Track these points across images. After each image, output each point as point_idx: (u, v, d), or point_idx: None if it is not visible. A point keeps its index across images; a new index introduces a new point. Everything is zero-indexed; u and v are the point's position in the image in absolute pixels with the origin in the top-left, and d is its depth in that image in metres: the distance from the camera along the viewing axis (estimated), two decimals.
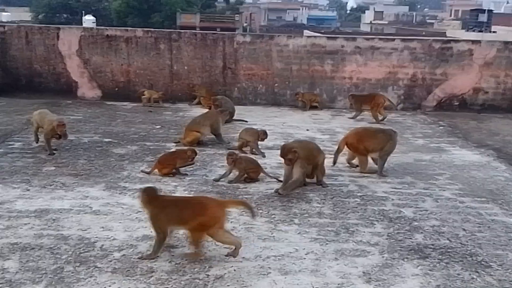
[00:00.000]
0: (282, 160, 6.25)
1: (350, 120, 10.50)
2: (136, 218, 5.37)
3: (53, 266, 4.38)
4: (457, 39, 14.82)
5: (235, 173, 6.58)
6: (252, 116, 10.29)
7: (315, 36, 13.25)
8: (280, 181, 6.40)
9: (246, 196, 6.08)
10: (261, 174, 6.67)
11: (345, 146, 7.11)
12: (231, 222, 5.33)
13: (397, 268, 4.55)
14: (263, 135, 7.83)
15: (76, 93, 11.67)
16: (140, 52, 11.56)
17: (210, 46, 11.60)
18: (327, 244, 4.96)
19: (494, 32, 42.02)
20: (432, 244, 5.04)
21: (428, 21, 79.72)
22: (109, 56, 11.57)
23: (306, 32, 33.11)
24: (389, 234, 5.22)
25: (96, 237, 4.93)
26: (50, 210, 5.49)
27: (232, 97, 11.30)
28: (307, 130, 9.49)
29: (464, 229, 5.41)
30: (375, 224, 5.45)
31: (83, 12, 52.76)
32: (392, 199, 6.17)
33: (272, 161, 7.30)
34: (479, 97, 11.79)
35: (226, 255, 4.61)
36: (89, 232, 5.01)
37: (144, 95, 11.10)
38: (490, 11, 48.23)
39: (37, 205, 5.61)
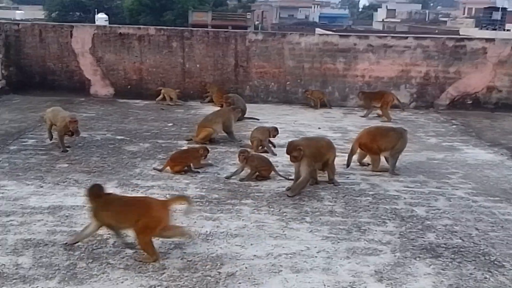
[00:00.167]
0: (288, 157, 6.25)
1: (362, 118, 10.47)
2: None
3: (66, 262, 4.41)
4: (470, 37, 14.72)
5: (246, 171, 6.59)
6: (264, 114, 10.29)
7: (327, 34, 13.21)
8: (291, 179, 6.39)
9: (257, 194, 6.09)
10: (273, 172, 6.67)
11: (358, 147, 7.06)
12: (242, 220, 5.35)
13: (409, 267, 4.53)
14: (274, 131, 7.85)
15: (89, 91, 11.74)
16: (153, 50, 11.60)
17: (222, 44, 11.62)
18: (338, 242, 4.95)
19: (508, 30, 41.70)
20: (445, 243, 5.01)
21: (441, 19, 79.26)
22: (121, 54, 11.62)
23: (318, 30, 33.03)
24: (401, 233, 5.20)
25: (109, 233, 4.94)
26: (63, 207, 5.53)
27: (244, 95, 11.30)
28: (319, 128, 9.47)
29: (477, 229, 5.38)
30: (387, 223, 5.43)
31: (96, 10, 53.07)
32: (404, 198, 6.15)
33: (283, 159, 7.27)
34: (493, 96, 11.69)
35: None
36: (102, 229, 5.03)
37: (160, 93, 11.12)
38: (504, 9, 47.83)
39: (51, 202, 5.66)
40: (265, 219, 5.39)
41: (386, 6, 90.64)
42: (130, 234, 4.62)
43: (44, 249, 4.61)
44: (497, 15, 46.14)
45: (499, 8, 48.67)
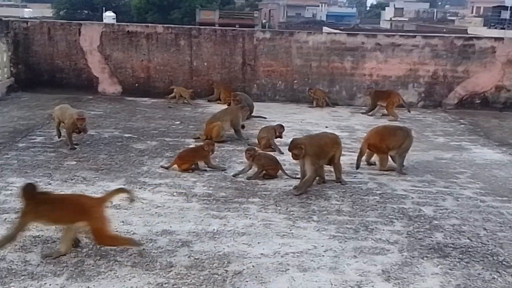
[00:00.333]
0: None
1: (370, 117, 10.45)
2: (156, 213, 5.42)
3: (74, 259, 4.43)
4: (479, 36, 14.64)
5: (254, 169, 6.59)
6: (271, 113, 10.29)
7: (335, 33, 13.18)
8: (298, 178, 6.38)
9: (264, 193, 6.09)
10: (280, 171, 6.67)
11: (368, 148, 7.04)
12: (249, 218, 5.35)
13: (417, 267, 4.52)
14: (280, 129, 7.84)
15: (97, 89, 11.78)
16: (160, 48, 11.63)
17: (230, 43, 11.62)
18: (346, 241, 4.94)
19: None
20: (453, 243, 4.99)
21: (449, 18, 78.90)
22: (129, 52, 11.65)
23: (325, 29, 32.99)
24: (409, 233, 5.18)
25: (116, 231, 4.95)
26: None
27: (251, 93, 11.31)
28: (326, 127, 9.45)
29: (485, 229, 5.36)
30: (394, 222, 5.41)
31: (104, 8, 53.23)
32: (412, 197, 6.13)
33: (290, 158, 7.24)
34: (501, 95, 11.63)
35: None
36: (109, 226, 5.05)
37: (172, 91, 11.13)
38: None
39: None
40: (272, 218, 5.40)
41: (394, 5, 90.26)
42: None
43: (52, 246, 4.63)
44: (505, 14, 45.83)
45: (507, 7, 48.34)
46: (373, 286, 4.20)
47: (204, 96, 11.45)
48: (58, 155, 7.24)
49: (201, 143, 7.17)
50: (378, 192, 6.27)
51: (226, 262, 4.47)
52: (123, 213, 5.39)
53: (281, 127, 7.89)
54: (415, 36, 11.84)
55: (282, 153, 7.51)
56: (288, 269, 4.39)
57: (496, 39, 11.96)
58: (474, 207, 5.93)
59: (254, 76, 11.71)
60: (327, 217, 5.47)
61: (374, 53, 11.51)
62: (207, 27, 12.67)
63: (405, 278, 4.33)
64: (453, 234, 5.20)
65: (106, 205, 4.60)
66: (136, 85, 11.79)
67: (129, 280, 4.15)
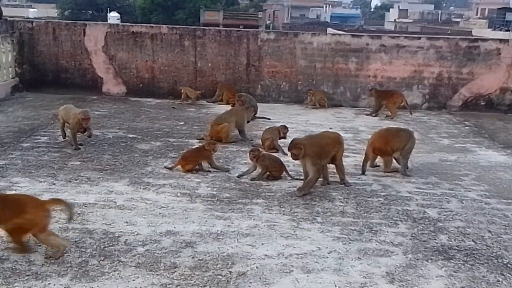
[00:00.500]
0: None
1: (374, 118, 10.44)
2: (160, 213, 5.42)
3: (78, 259, 4.44)
4: (484, 38, 14.60)
5: (258, 170, 6.59)
6: (275, 114, 10.28)
7: (339, 34, 13.17)
8: (302, 179, 6.37)
9: (268, 194, 6.08)
10: (284, 173, 6.66)
11: (372, 153, 7.03)
12: (253, 219, 5.35)
13: (421, 269, 4.51)
14: (283, 129, 7.83)
15: (101, 89, 11.80)
16: (165, 49, 11.64)
17: (234, 43, 11.62)
18: (350, 243, 4.93)
19: None
20: (457, 246, 4.98)
21: (454, 19, 78.76)
22: (134, 52, 11.66)
23: (330, 30, 32.97)
24: (413, 235, 5.17)
25: (120, 231, 4.98)
26: (76, 204, 5.55)
27: (255, 94, 11.31)
28: (330, 128, 9.42)
29: (489, 231, 5.34)
30: (398, 224, 5.40)
31: (108, 8, 53.36)
32: (416, 199, 6.11)
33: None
34: (506, 97, 11.59)
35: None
36: (114, 227, 5.07)
37: (181, 92, 11.14)
38: None
39: (63, 199, 5.67)
40: (276, 219, 5.39)
41: (398, 6, 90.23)
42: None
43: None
44: (510, 16, 45.71)
45: None
46: None
47: (209, 96, 11.45)
48: (63, 155, 7.25)
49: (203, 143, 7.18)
50: (382, 193, 6.26)
51: (230, 263, 4.46)
52: (127, 213, 5.40)
53: (285, 128, 7.89)
54: (420, 38, 11.81)
55: (286, 154, 7.47)
56: (292, 271, 4.38)
57: (501, 41, 11.93)
58: (479, 209, 5.91)
59: (259, 77, 11.71)
60: (331, 219, 5.46)
61: (378, 54, 11.49)
62: (211, 28, 12.67)
63: (409, 280, 4.32)
64: (457, 236, 5.18)
65: (48, 210, 4.47)
66: (141, 85, 11.80)
67: (133, 280, 4.15)
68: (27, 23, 11.89)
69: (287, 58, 11.61)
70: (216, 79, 11.65)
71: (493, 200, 6.19)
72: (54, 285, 4.05)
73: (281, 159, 6.82)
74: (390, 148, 6.89)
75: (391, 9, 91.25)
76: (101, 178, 6.40)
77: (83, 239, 4.78)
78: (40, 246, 4.61)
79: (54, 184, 6.15)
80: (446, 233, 5.23)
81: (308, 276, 4.32)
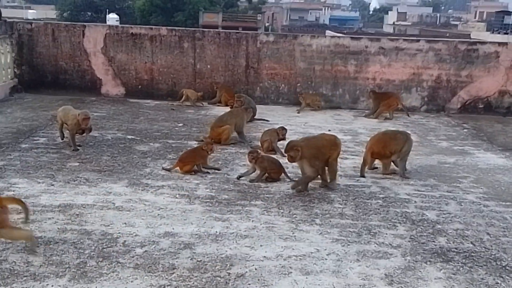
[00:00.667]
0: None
1: (372, 120, 10.45)
2: (158, 215, 5.41)
3: (76, 260, 4.43)
4: (483, 41, 14.63)
5: (257, 172, 6.58)
6: (274, 116, 10.28)
7: (338, 36, 13.19)
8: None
9: (267, 196, 6.08)
10: (283, 175, 6.66)
11: (371, 156, 7.02)
12: (252, 221, 5.35)
13: (420, 271, 4.50)
14: (282, 131, 7.84)
15: (100, 90, 11.79)
16: (164, 51, 11.64)
17: (234, 45, 11.62)
18: (348, 245, 4.93)
19: None
20: (456, 248, 4.98)
21: (452, 22, 78.89)
22: (133, 54, 11.66)
23: (328, 33, 33.00)
24: (412, 237, 5.17)
25: (119, 232, 4.97)
26: (74, 205, 5.55)
27: (254, 96, 11.31)
28: (329, 130, 9.41)
29: (488, 233, 5.34)
30: (397, 226, 5.40)
31: (107, 10, 53.36)
32: (415, 202, 6.11)
33: None
34: (505, 100, 11.61)
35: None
36: (112, 228, 5.06)
37: (183, 94, 11.13)
38: None
39: (61, 200, 5.68)
40: (275, 221, 5.39)
41: (397, 9, 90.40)
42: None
43: (55, 247, 4.63)
44: (509, 19, 45.84)
45: (511, 12, 48.40)
46: None
47: (208, 98, 11.43)
48: (61, 156, 7.24)
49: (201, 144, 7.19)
50: (381, 196, 6.26)
51: (228, 265, 4.46)
52: (125, 214, 5.39)
53: (283, 129, 7.89)
54: (418, 41, 11.83)
55: (284, 156, 7.49)
56: (291, 272, 4.38)
57: (500, 44, 11.95)
58: (478, 211, 5.91)
59: (258, 79, 11.71)
60: (330, 221, 5.46)
61: (377, 57, 11.50)
62: (210, 29, 12.68)
63: (408, 282, 4.32)
64: (456, 238, 5.19)
65: (4, 207, 4.48)
66: (140, 87, 11.79)
67: (131, 282, 4.14)
68: (26, 24, 11.88)
69: (286, 60, 11.61)
70: (215, 81, 11.64)
71: (492, 203, 6.20)
72: (52, 286, 4.04)
73: (280, 161, 6.82)
74: (388, 152, 6.91)
75: (389, 12, 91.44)
76: (100, 179, 6.39)
77: (81, 240, 4.77)
78: (38, 247, 4.60)
79: (52, 185, 6.14)
80: (445, 235, 5.23)
81: (306, 278, 4.31)
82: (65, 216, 5.28)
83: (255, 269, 4.41)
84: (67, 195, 5.83)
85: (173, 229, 5.10)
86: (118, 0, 61.43)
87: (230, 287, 4.13)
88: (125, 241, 4.80)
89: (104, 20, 46.26)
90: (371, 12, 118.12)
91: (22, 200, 4.95)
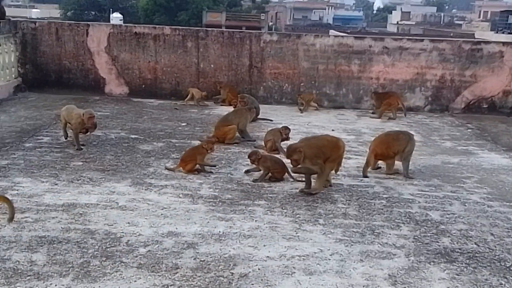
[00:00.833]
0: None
1: (376, 120, 10.43)
2: (162, 214, 5.41)
3: (79, 260, 4.43)
4: (487, 40, 14.58)
5: (260, 171, 6.58)
6: (277, 115, 10.28)
7: (342, 36, 13.16)
8: (303, 181, 6.34)
9: (271, 195, 6.07)
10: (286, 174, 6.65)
11: (375, 158, 7.00)
12: (255, 220, 5.34)
13: (424, 272, 4.49)
14: (285, 130, 7.79)
15: (104, 90, 11.80)
16: (168, 50, 11.64)
17: (237, 45, 11.62)
18: (352, 245, 4.92)
19: None
20: (460, 248, 4.96)
21: (456, 22, 78.72)
22: (137, 53, 11.66)
23: (332, 32, 32.97)
24: (416, 237, 5.16)
25: (122, 232, 4.97)
26: (78, 205, 5.56)
27: (258, 96, 11.31)
28: (333, 130, 9.43)
29: (492, 234, 5.32)
30: (401, 227, 5.39)
31: (111, 9, 53.44)
32: (419, 202, 6.10)
33: None
34: (509, 100, 11.58)
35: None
36: (115, 227, 5.07)
37: (188, 93, 11.15)
38: None
39: (65, 199, 5.69)
40: (278, 221, 5.38)
41: (401, 9, 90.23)
42: None
43: (58, 247, 4.63)
44: None
45: None
46: None
47: (211, 97, 11.42)
48: (65, 156, 7.25)
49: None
50: (384, 196, 6.24)
51: (232, 265, 4.45)
52: (129, 214, 5.39)
53: (286, 128, 7.86)
54: (422, 40, 11.80)
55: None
56: (294, 273, 4.37)
57: (504, 43, 11.91)
58: (481, 212, 5.89)
59: (261, 78, 11.71)
60: (334, 221, 5.45)
61: (381, 56, 11.48)
62: (214, 29, 12.67)
63: (411, 283, 4.31)
64: (460, 239, 5.17)
65: None
66: (143, 86, 11.80)
67: (135, 281, 4.14)
68: (30, 23, 11.90)
69: (290, 59, 11.60)
70: (218, 80, 11.63)
71: (496, 203, 6.18)
72: (56, 285, 4.04)
73: (283, 160, 6.81)
74: (392, 152, 6.91)
75: (393, 11, 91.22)
76: (103, 179, 6.40)
77: (85, 240, 4.78)
78: (41, 246, 4.61)
79: (56, 184, 6.15)
80: (449, 236, 5.22)
81: (310, 278, 4.30)
82: (68, 216, 5.28)
83: (258, 269, 4.41)
84: (71, 194, 5.84)
85: (176, 228, 5.10)
86: None
87: (233, 287, 4.13)
88: (128, 240, 4.81)
89: (107, 19, 46.30)
90: (374, 12, 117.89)
91: (8, 197, 4.96)
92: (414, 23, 73.96)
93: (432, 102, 11.65)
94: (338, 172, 6.67)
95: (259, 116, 9.82)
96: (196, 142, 8.04)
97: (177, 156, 7.26)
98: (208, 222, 5.29)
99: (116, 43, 11.63)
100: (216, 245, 4.80)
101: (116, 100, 11.35)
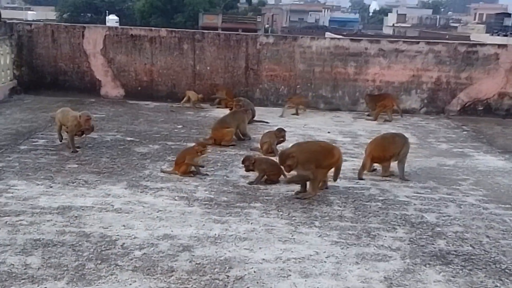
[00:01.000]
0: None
1: (372, 122, 10.44)
2: (157, 217, 5.40)
3: (74, 263, 4.42)
4: (483, 43, 14.62)
5: (256, 174, 6.57)
6: (274, 118, 10.27)
7: (338, 38, 13.15)
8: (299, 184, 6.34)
9: (266, 198, 6.07)
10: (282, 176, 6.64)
11: (371, 161, 7.00)
12: (251, 223, 5.34)
13: (419, 274, 4.49)
14: (279, 132, 7.76)
15: (100, 92, 11.78)
16: (164, 52, 11.63)
17: (233, 47, 11.61)
18: (348, 247, 4.92)
19: None
20: (455, 251, 4.97)
21: (452, 24, 79.01)
22: (133, 55, 11.65)
23: (328, 34, 33.03)
24: (411, 239, 5.16)
25: (118, 235, 4.96)
26: (73, 207, 5.54)
27: (254, 98, 11.31)
28: (329, 132, 9.44)
29: (487, 236, 5.33)
30: (396, 229, 5.39)
31: (107, 11, 53.42)
32: (414, 204, 6.10)
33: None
34: (505, 102, 11.60)
35: None
36: (111, 230, 5.05)
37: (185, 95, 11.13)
38: None
39: (60, 202, 5.67)
40: (274, 223, 5.38)
41: (397, 11, 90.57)
42: None
43: (53, 250, 4.61)
44: (508, 21, 45.90)
45: (510, 14, 48.46)
46: None
47: (207, 100, 11.41)
48: (60, 158, 7.23)
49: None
50: (380, 198, 6.25)
51: (227, 267, 4.44)
52: (124, 217, 5.37)
53: (281, 130, 7.83)
54: (418, 42, 11.82)
55: None
56: (290, 275, 4.37)
57: (499, 46, 11.93)
58: (477, 214, 5.90)
59: (257, 80, 11.71)
60: (329, 223, 5.45)
61: (377, 58, 11.50)
62: (210, 31, 12.67)
63: (407, 285, 4.31)
64: (455, 241, 5.17)
65: None
66: (139, 88, 11.78)
67: (130, 284, 4.13)
68: (26, 25, 11.88)
69: (286, 62, 11.60)
70: (214, 83, 11.63)
71: (491, 205, 6.18)
72: None
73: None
74: (388, 155, 6.92)
75: (389, 14, 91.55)
76: (99, 181, 6.38)
77: (80, 243, 4.76)
78: (36, 249, 4.59)
79: (51, 187, 6.13)
80: (444, 238, 5.22)
81: (306, 280, 4.30)
82: (63, 218, 5.26)
83: (254, 271, 4.40)
84: (66, 197, 5.82)
85: (172, 231, 5.09)
86: (118, 1, 61.51)
87: None
88: (123, 243, 4.79)
89: (103, 22, 46.29)
90: (370, 14, 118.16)
91: None
92: (410, 25, 74.22)
93: (428, 104, 11.67)
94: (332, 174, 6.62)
95: (255, 118, 9.82)
96: (192, 145, 8.04)
97: (173, 159, 7.24)
98: (204, 224, 5.28)
99: (112, 45, 11.62)
100: (212, 247, 4.79)
101: (112, 102, 11.33)
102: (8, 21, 12.08)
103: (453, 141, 9.30)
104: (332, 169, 6.33)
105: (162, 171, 6.82)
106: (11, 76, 11.55)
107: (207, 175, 6.77)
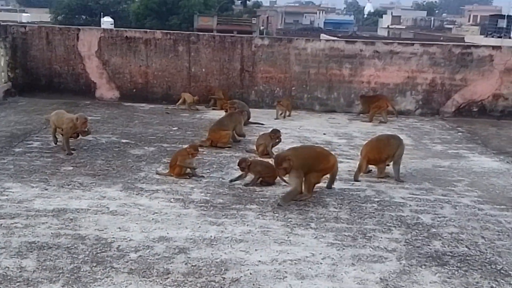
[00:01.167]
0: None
1: (367, 124, 10.46)
2: (153, 219, 5.39)
3: (70, 265, 4.40)
4: (477, 44, 14.67)
5: (251, 176, 6.57)
6: (269, 119, 10.27)
7: (333, 40, 13.17)
8: None
9: (262, 199, 6.06)
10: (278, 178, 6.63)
11: (367, 163, 7.01)
12: (247, 225, 5.33)
13: (415, 275, 4.50)
14: (274, 134, 7.75)
15: (95, 94, 11.76)
16: (159, 54, 11.62)
17: (228, 49, 11.62)
18: (344, 249, 4.92)
19: None
20: (451, 252, 4.98)
21: (446, 26, 79.28)
22: (128, 57, 11.64)
23: (323, 36, 33.04)
24: (407, 241, 5.16)
25: (113, 237, 4.94)
26: (68, 210, 5.52)
27: (249, 100, 11.32)
28: (324, 134, 9.45)
29: (483, 237, 5.34)
30: (392, 230, 5.40)
31: (102, 13, 53.33)
32: (410, 205, 6.11)
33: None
34: (499, 103, 11.66)
35: None
36: (106, 233, 5.04)
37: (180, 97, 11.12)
38: (509, 17, 47.78)
39: (55, 205, 5.65)
40: (270, 225, 5.37)
41: (392, 13, 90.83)
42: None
43: (48, 252, 4.59)
44: (502, 23, 46.09)
45: (504, 16, 48.65)
46: None
47: (202, 102, 11.40)
48: (55, 160, 7.21)
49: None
50: (376, 199, 6.25)
51: (223, 269, 4.44)
52: (120, 219, 5.36)
53: (275, 131, 7.81)
54: (413, 44, 11.86)
55: None
56: (286, 277, 4.36)
57: (494, 47, 12.00)
58: (472, 215, 5.91)
59: (252, 82, 11.71)
60: (325, 225, 5.45)
61: (372, 60, 11.53)
62: (205, 33, 12.67)
63: (403, 286, 4.31)
64: (451, 242, 5.18)
65: None
66: (134, 90, 11.77)
67: (126, 287, 4.12)
68: (20, 27, 11.86)
69: (281, 63, 11.62)
70: (210, 85, 11.64)
71: (487, 206, 6.20)
72: None
73: None
74: (384, 157, 6.93)
75: (384, 16, 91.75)
76: (94, 184, 6.36)
77: (75, 245, 4.74)
78: (31, 252, 4.57)
79: (46, 189, 6.10)
80: (440, 239, 5.23)
81: (302, 282, 4.30)
82: (59, 221, 5.24)
83: (250, 273, 4.39)
84: (61, 200, 5.80)
85: (167, 233, 5.08)
86: (112, 3, 61.41)
87: None
88: (119, 245, 4.78)
89: (98, 24, 46.21)
90: (365, 16, 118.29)
91: None
92: (404, 27, 74.44)
93: (423, 105, 11.70)
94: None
95: (250, 120, 9.83)
96: (187, 147, 8.04)
97: (168, 161, 7.23)
98: (200, 226, 5.27)
99: (107, 47, 11.60)
100: (208, 249, 4.78)
101: (107, 104, 11.31)
102: (2, 23, 12.02)
103: (448, 142, 9.32)
104: (327, 175, 6.34)
105: (158, 173, 6.81)
106: (6, 78, 11.51)
107: (203, 177, 6.77)
